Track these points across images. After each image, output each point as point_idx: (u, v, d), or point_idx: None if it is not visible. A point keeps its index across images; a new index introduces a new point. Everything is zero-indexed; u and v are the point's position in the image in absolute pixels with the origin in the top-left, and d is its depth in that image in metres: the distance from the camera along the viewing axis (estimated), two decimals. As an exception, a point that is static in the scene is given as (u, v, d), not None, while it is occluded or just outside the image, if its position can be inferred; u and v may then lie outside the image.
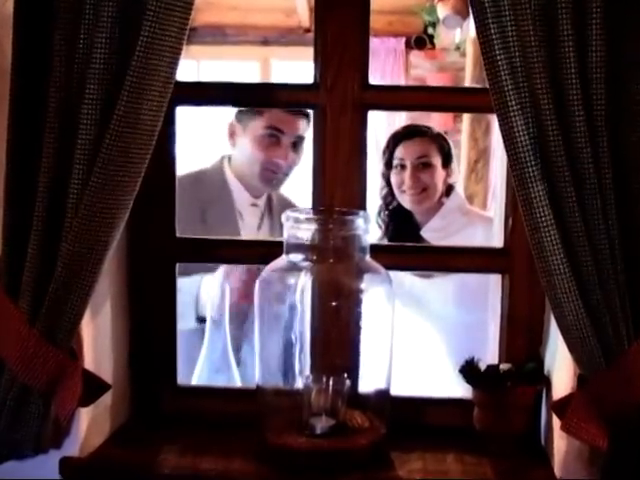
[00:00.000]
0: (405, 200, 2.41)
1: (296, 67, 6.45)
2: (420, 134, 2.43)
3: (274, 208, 2.33)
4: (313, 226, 1.38)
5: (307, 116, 2.13)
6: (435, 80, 6.18)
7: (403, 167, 2.39)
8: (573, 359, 1.27)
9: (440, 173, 2.40)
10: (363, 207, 1.50)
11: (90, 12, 1.19)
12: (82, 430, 1.40)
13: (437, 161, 2.40)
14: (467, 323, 2.27)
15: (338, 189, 1.50)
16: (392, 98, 1.54)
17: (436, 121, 5.97)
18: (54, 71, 1.21)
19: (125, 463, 1.42)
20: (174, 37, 1.21)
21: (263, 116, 2.17)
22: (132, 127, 1.21)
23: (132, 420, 1.57)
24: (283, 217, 1.40)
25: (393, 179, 2.42)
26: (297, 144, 2.22)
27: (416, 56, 6.36)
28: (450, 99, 1.54)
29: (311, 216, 1.42)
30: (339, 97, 1.48)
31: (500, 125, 1.22)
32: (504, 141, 1.21)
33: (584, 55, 1.18)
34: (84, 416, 1.40)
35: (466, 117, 5.16)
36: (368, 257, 1.41)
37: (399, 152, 2.40)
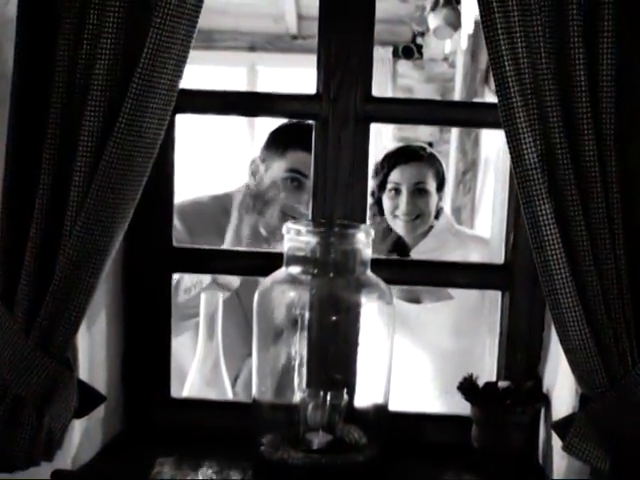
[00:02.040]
0: (398, 226, 2.37)
1: (283, 74, 6.46)
2: (416, 158, 2.37)
3: None
4: (314, 239, 1.36)
5: None
6: (422, 90, 6.20)
7: (397, 191, 2.34)
8: (575, 378, 1.26)
9: (434, 198, 2.37)
10: (363, 220, 1.49)
11: (94, 18, 1.17)
12: (74, 442, 1.37)
13: (432, 187, 2.36)
14: (457, 348, 2.27)
15: (339, 202, 1.49)
16: (395, 111, 1.53)
17: (422, 131, 6.02)
18: (56, 77, 1.19)
19: (118, 476, 1.39)
20: (180, 45, 1.19)
21: (285, 158, 2.04)
22: (135, 135, 1.19)
23: (124, 433, 1.54)
24: (284, 229, 1.38)
25: (386, 203, 2.38)
26: None
27: (403, 65, 6.37)
28: (456, 113, 1.53)
29: (313, 229, 1.39)
30: (342, 109, 1.46)
31: (508, 142, 1.21)
32: (512, 157, 1.20)
33: (594, 72, 1.18)
34: (76, 428, 1.37)
35: (455, 128, 5.17)
36: (369, 271, 1.39)
37: (394, 176, 2.35)
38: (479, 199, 5.14)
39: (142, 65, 1.16)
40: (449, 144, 5.40)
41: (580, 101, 1.17)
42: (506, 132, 1.20)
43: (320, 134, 1.48)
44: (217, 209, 2.10)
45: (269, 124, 2.19)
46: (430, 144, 5.64)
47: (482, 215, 5.11)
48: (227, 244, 1.94)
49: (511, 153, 1.20)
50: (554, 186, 1.19)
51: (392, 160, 2.37)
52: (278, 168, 2.05)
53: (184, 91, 1.39)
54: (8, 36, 1.24)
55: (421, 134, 6.01)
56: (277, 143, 2.08)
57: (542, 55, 1.17)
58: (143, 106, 1.18)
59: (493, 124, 1.42)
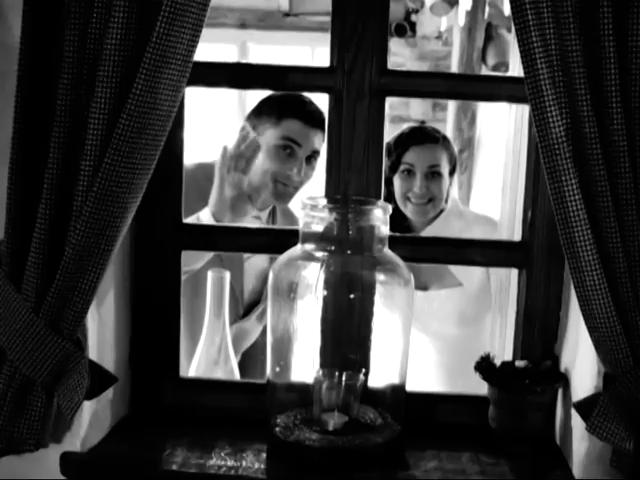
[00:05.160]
0: (408, 209, 2.31)
1: (274, 51, 6.39)
2: (432, 140, 2.32)
3: (277, 223, 2.21)
4: (331, 215, 1.33)
5: (324, 130, 1.93)
6: (414, 68, 6.15)
7: (410, 173, 2.28)
8: (599, 358, 1.23)
9: (447, 182, 2.33)
10: (378, 197, 1.45)
11: (106, -15, 1.13)
12: (83, 424, 1.34)
13: (446, 170, 2.31)
14: (462, 334, 2.26)
15: (353, 177, 1.45)
16: (410, 84, 1.48)
17: (414, 109, 5.98)
18: (66, 47, 1.14)
19: (128, 459, 1.36)
20: (196, 13, 1.15)
21: (280, 126, 2.03)
22: (149, 107, 1.14)
23: (133, 414, 1.50)
24: (300, 205, 1.34)
25: (397, 183, 2.31)
26: (311, 158, 2.07)
27: (395, 43, 6.31)
28: (469, 87, 1.49)
29: (330, 205, 1.36)
30: (357, 82, 1.42)
31: (534, 115, 1.17)
32: (538, 132, 1.17)
33: (622, 44, 1.14)
34: (85, 409, 1.33)
35: (451, 107, 5.13)
36: (387, 249, 1.36)
37: (409, 157, 2.28)
38: (474, 177, 5.13)
39: (157, 34, 1.12)
40: (443, 123, 5.35)
41: (608, 74, 1.14)
42: (532, 105, 1.17)
43: (334, 108, 1.44)
44: (201, 177, 2.08)
45: (258, 97, 2.16)
46: (422, 122, 5.61)
47: (477, 193, 5.10)
48: (211, 206, 1.90)
49: (537, 127, 1.17)
50: (580, 160, 1.16)
51: (406, 140, 2.31)
52: (271, 135, 2.04)
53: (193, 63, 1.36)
54: (13, 4, 1.19)
55: (413, 112, 5.96)
56: (271, 111, 2.07)
57: (570, 27, 1.14)
58: (158, 77, 1.14)
59: (515, 98, 1.39)
